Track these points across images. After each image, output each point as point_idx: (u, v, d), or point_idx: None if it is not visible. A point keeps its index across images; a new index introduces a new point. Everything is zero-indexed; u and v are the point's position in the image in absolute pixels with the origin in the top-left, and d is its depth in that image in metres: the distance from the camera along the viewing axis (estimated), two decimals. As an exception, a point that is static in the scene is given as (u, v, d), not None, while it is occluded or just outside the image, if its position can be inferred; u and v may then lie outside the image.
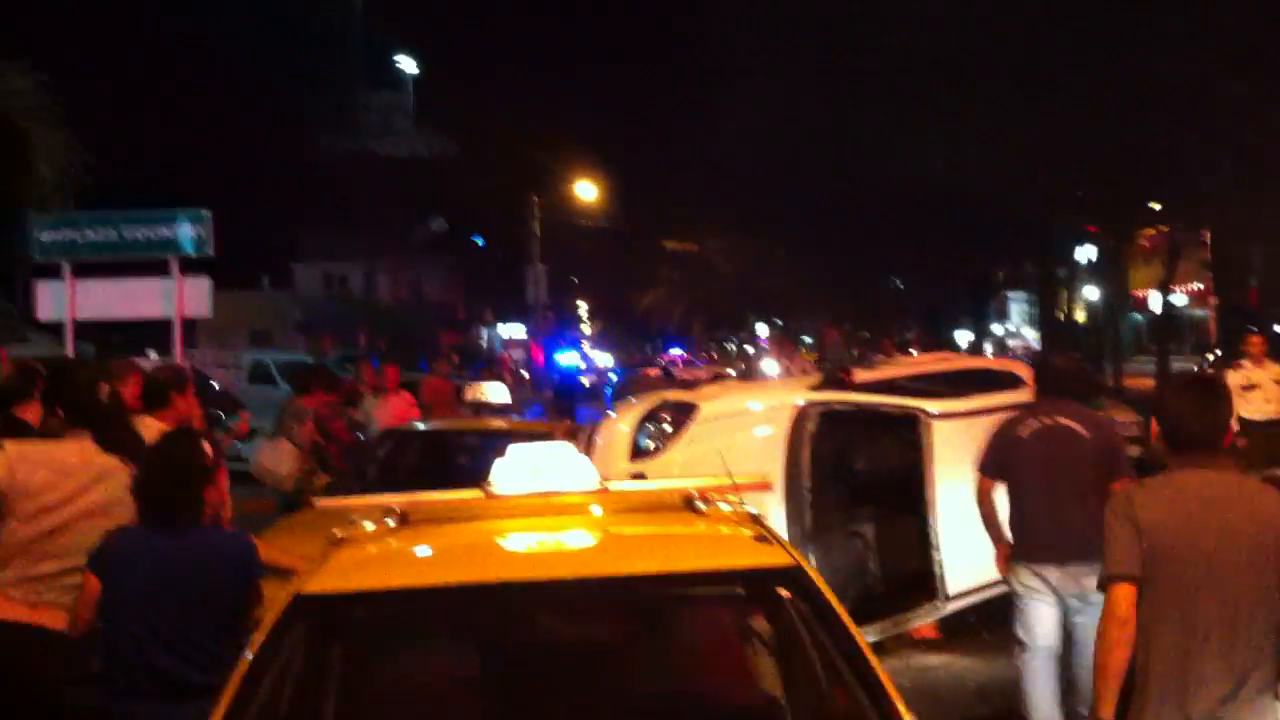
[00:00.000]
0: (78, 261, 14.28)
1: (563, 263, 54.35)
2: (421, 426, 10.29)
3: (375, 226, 44.58)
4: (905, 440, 8.19)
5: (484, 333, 70.07)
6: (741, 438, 7.72)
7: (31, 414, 6.28)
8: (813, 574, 3.30)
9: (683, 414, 7.66)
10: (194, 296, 14.45)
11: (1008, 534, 6.16)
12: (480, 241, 65.83)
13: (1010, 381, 8.70)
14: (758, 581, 3.41)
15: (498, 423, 10.38)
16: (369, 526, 3.64)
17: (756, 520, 3.62)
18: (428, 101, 44.29)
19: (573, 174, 45.79)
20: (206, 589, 3.98)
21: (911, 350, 23.77)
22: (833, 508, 8.16)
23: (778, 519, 7.52)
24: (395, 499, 3.76)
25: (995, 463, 6.27)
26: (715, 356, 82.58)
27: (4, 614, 4.35)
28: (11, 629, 4.34)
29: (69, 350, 14.50)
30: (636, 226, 50.90)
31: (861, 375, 8.35)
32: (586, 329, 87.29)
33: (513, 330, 75.81)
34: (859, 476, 8.35)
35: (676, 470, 7.41)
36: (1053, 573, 5.76)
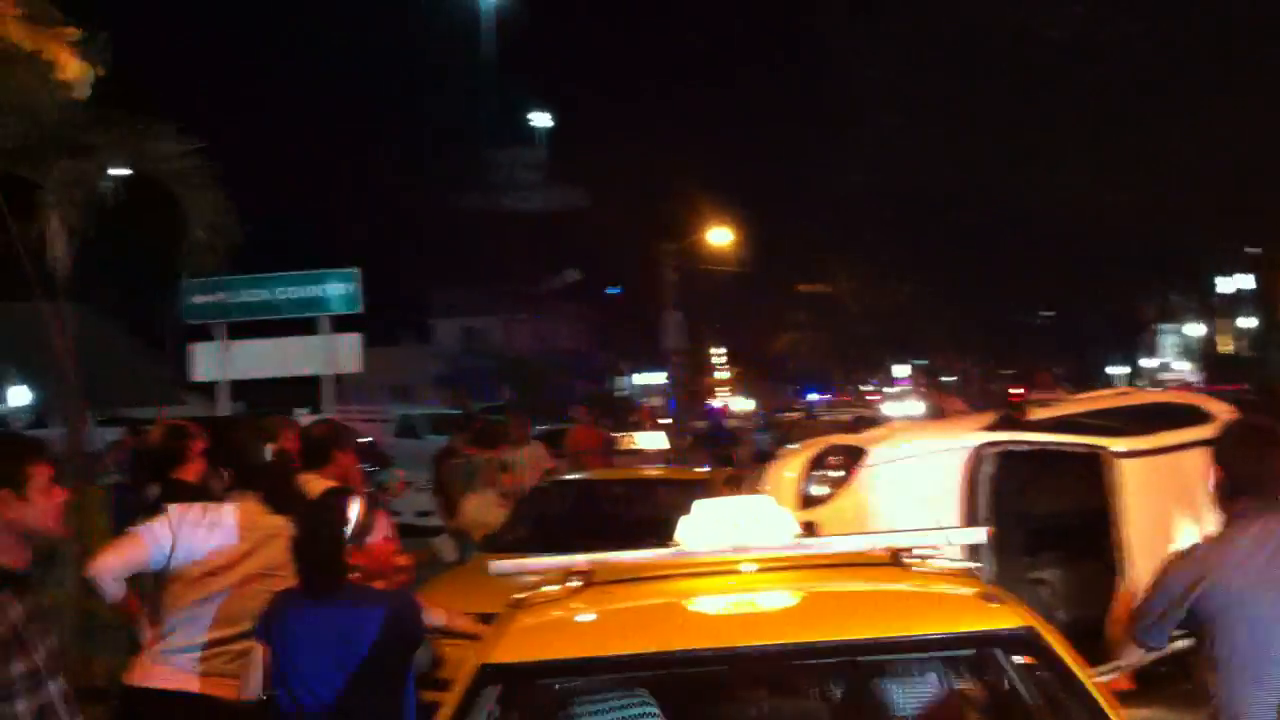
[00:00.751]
0: (229, 322, 14.52)
1: (697, 309, 54.19)
2: (579, 476, 10.08)
3: (510, 279, 45.02)
4: (1089, 481, 7.67)
5: (619, 381, 70.28)
6: (915, 482, 7.32)
7: (192, 474, 6.21)
8: (1051, 637, 2.95)
9: (851, 458, 7.31)
10: (345, 353, 14.60)
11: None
12: (615, 290, 66.19)
13: (1195, 416, 8.12)
14: (988, 646, 3.06)
15: (656, 471, 10.13)
16: (550, 589, 3.39)
17: (977, 576, 3.27)
18: (560, 153, 44.71)
19: (705, 220, 45.67)
20: (365, 655, 3.79)
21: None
22: (1014, 554, 7.69)
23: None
24: (578, 559, 3.50)
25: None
26: (855, 398, 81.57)
27: (171, 684, 4.22)
28: (179, 700, 4.19)
29: (222, 410, 14.71)
30: (770, 270, 50.54)
31: (1037, 413, 7.88)
32: (722, 375, 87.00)
33: (649, 378, 76.00)
34: (1041, 520, 7.87)
35: (850, 518, 7.06)
36: None
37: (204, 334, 14.69)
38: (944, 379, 78.40)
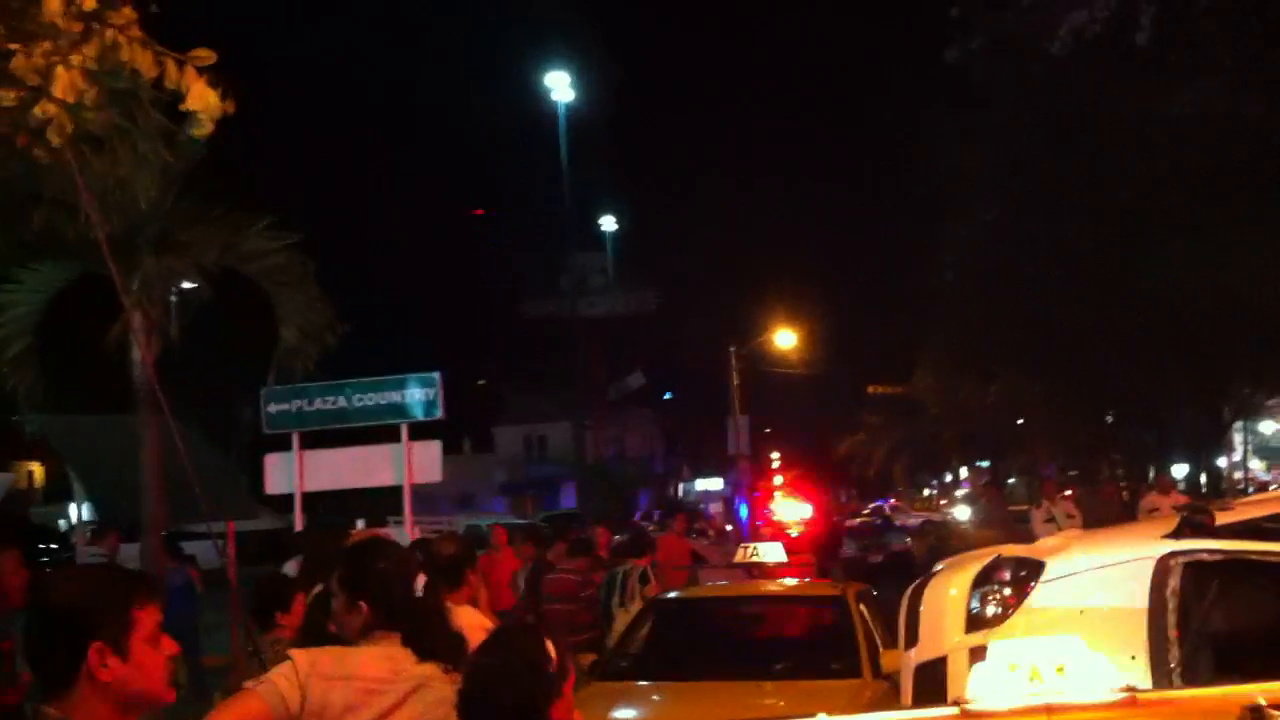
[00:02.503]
0: (306, 431, 13.96)
1: (763, 412, 53.42)
2: (703, 593, 9.30)
3: (574, 385, 44.61)
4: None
5: (681, 487, 69.36)
6: (1097, 599, 6.49)
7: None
8: None
9: (1025, 572, 6.49)
10: (424, 461, 13.96)
11: None
12: (669, 395, 65.70)
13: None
14: None
15: (783, 587, 9.33)
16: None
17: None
18: (627, 257, 44.59)
19: (773, 322, 45.16)
20: None
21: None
22: (1204, 677, 6.79)
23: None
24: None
25: None
26: (914, 501, 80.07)
27: None
28: None
29: (297, 523, 14.10)
30: (840, 371, 49.86)
31: (1222, 518, 7.05)
32: (780, 479, 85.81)
33: (709, 484, 75.02)
34: (1232, 638, 6.97)
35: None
36: None
37: (277, 444, 14.12)
38: (1009, 480, 76.95)
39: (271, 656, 4.61)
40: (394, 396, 14.01)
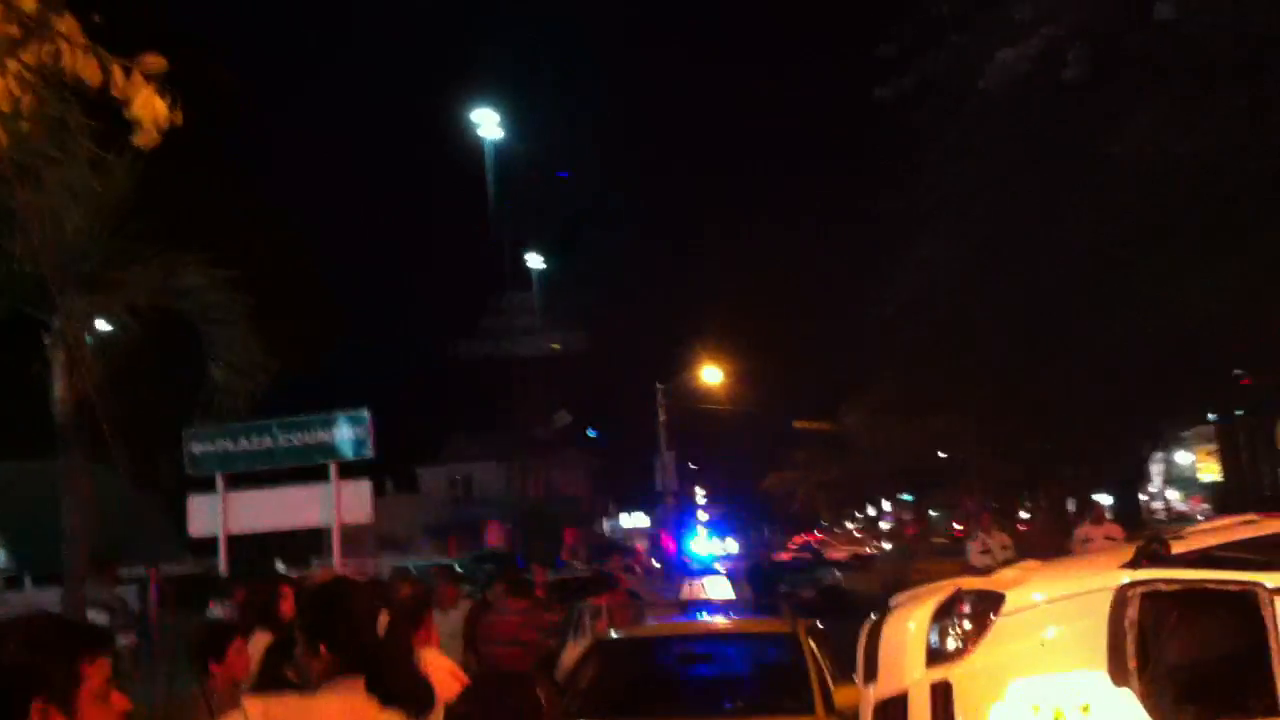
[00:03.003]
0: (232, 473, 13.59)
1: (691, 449, 53.41)
2: (647, 632, 9.05)
3: (499, 425, 44.21)
4: (1243, 621, 6.75)
5: (606, 524, 69.07)
6: (1057, 631, 6.37)
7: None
8: None
9: (985, 605, 6.36)
10: (353, 501, 13.64)
11: None
12: (594, 434, 65.51)
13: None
14: None
15: (723, 622, 9.12)
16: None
17: None
18: (551, 298, 44.29)
19: (700, 359, 45.20)
20: None
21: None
22: (1164, 708, 6.71)
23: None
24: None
25: None
26: (838, 536, 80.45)
27: None
28: None
29: (222, 566, 13.70)
30: (767, 408, 50.07)
31: (1177, 547, 6.99)
32: (703, 515, 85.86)
33: (635, 520, 74.76)
34: (1190, 669, 6.91)
35: (992, 675, 6.12)
36: None
37: (205, 485, 13.73)
38: (931, 512, 77.71)
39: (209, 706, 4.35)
40: (323, 435, 13.68)
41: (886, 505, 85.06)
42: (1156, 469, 66.08)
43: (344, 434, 13.65)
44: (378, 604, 3.38)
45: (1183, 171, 18.07)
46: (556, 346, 41.33)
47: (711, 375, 46.57)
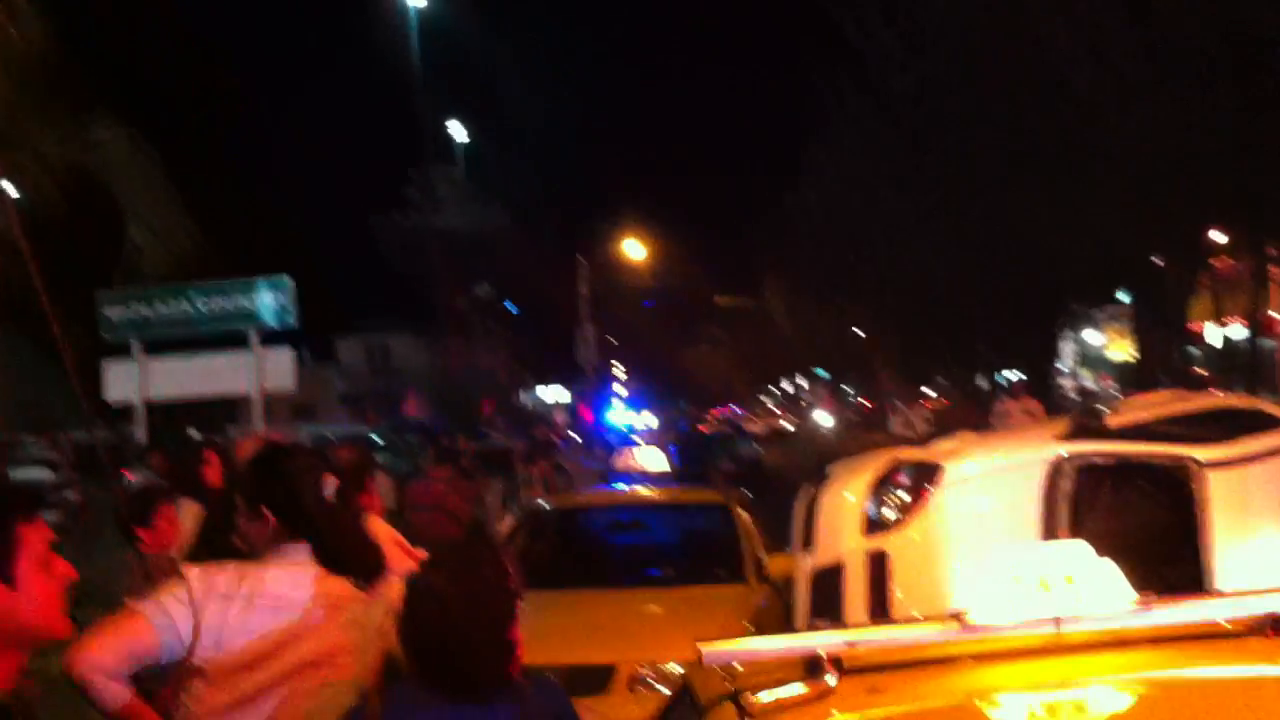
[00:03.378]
0: (150, 339, 13.21)
1: (612, 323, 53.35)
2: (580, 501, 8.97)
3: (422, 297, 43.68)
4: (1173, 495, 6.82)
5: (524, 396, 69.01)
6: (992, 502, 6.39)
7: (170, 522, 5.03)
8: None
9: (923, 476, 6.33)
10: (276, 369, 13.37)
11: None
12: (512, 307, 65.17)
13: (1266, 421, 7.33)
14: None
15: (654, 493, 9.07)
16: (796, 689, 2.34)
17: None
18: (473, 168, 43.50)
19: (623, 234, 44.90)
20: None
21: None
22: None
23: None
24: (822, 639, 2.45)
25: None
26: (761, 410, 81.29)
27: None
28: None
29: (140, 434, 13.38)
30: (689, 283, 50.07)
31: (1114, 420, 7.00)
32: (621, 389, 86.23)
33: (554, 393, 74.85)
34: (1123, 542, 6.97)
35: (928, 547, 6.13)
36: None
37: (120, 352, 13.34)
38: (843, 388, 78.80)
39: (157, 572, 4.18)
40: (243, 302, 13.37)
41: (804, 382, 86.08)
42: (1068, 348, 67.41)
43: (265, 300, 13.34)
44: (322, 467, 3.22)
45: (1112, 76, 18.14)
46: (488, 296, 40.82)
47: (634, 250, 46.36)
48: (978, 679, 2.39)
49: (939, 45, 23.87)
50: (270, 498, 3.14)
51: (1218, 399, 8.43)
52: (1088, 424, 6.91)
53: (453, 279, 42.48)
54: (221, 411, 31.46)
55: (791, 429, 59.51)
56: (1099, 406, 7.07)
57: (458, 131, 42.32)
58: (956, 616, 2.45)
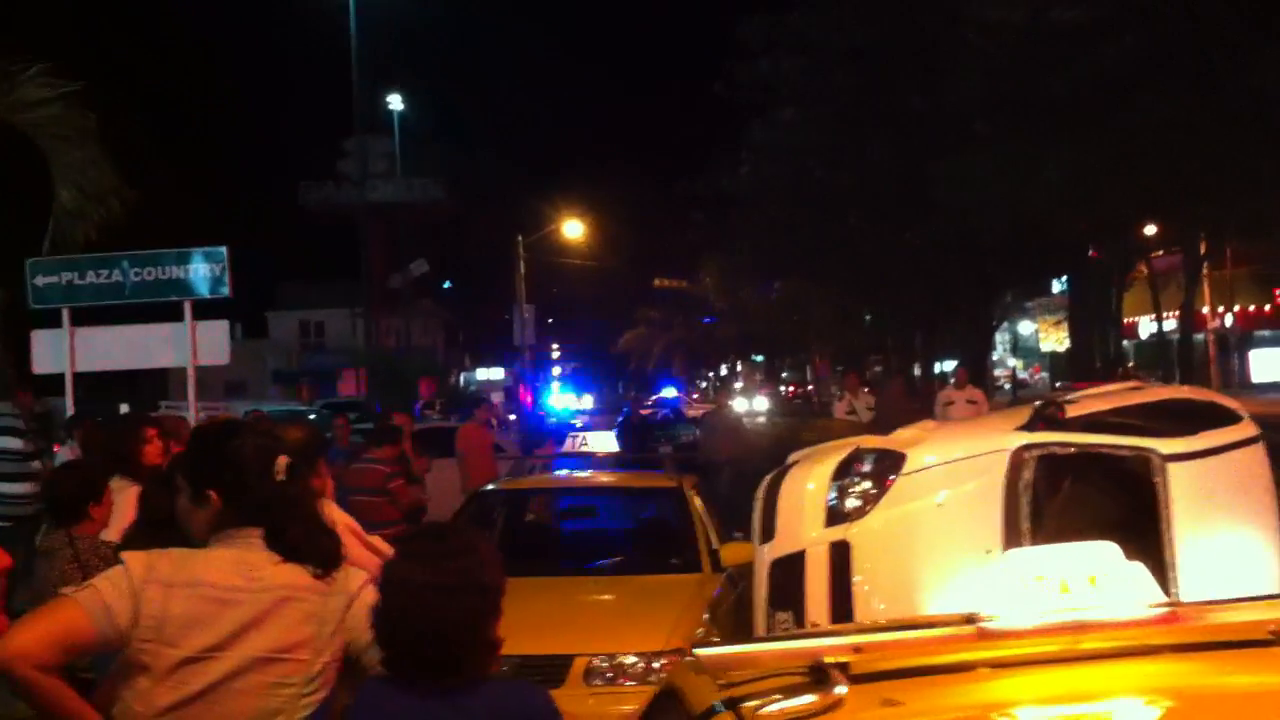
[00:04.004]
0: (79, 308, 12.78)
1: (549, 303, 53.04)
2: (518, 485, 8.71)
3: (357, 273, 43.11)
4: (1135, 487, 6.75)
5: (461, 376, 68.52)
6: (954, 492, 6.27)
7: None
8: None
9: (886, 465, 6.21)
10: (209, 342, 12.98)
11: None
12: (449, 285, 64.64)
13: (1223, 414, 7.29)
14: None
15: (607, 477, 8.83)
16: (803, 699, 2.15)
17: None
18: (412, 144, 42.90)
19: (562, 214, 44.52)
20: None
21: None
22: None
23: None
24: (828, 643, 2.26)
25: None
26: (695, 393, 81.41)
27: None
28: None
29: (69, 406, 12.95)
30: (627, 265, 49.85)
31: (1075, 411, 6.92)
32: (557, 370, 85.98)
33: (490, 373, 74.43)
34: (1081, 533, 6.90)
35: (891, 537, 6.02)
36: None
37: (45, 322, 12.91)
38: (784, 375, 79.12)
39: (92, 558, 3.90)
40: (177, 271, 12.95)
41: (740, 366, 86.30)
42: (1000, 338, 68.16)
43: (199, 271, 12.93)
44: (274, 447, 2.97)
45: (1062, 42, 18.06)
46: (424, 273, 40.36)
47: (573, 230, 45.96)
48: (996, 690, 2.21)
49: (873, 18, 23.81)
50: (217, 480, 2.90)
51: (1175, 391, 8.39)
52: (1047, 414, 6.82)
53: (388, 255, 41.94)
54: (151, 386, 30.89)
55: (729, 413, 59.48)
56: (1059, 398, 6.98)
57: (395, 104, 41.74)
58: (972, 619, 2.27)
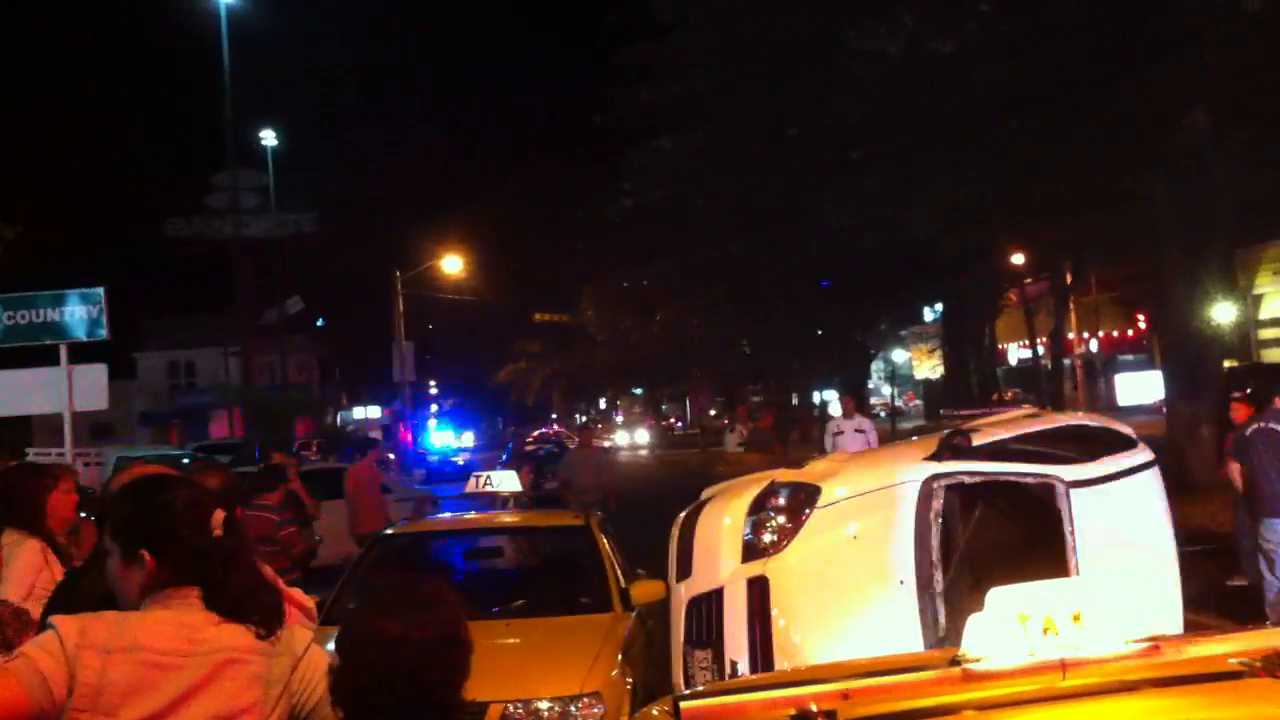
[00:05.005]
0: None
1: (427, 339, 52.53)
2: (421, 528, 8.49)
3: (228, 310, 42.14)
4: (1040, 513, 6.89)
5: (338, 415, 67.42)
6: (865, 525, 6.31)
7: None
8: None
9: (801, 499, 6.22)
10: (87, 386, 12.53)
11: None
12: (322, 322, 63.65)
13: (1120, 440, 7.48)
14: None
15: (511, 517, 8.67)
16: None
17: None
18: (287, 178, 42.16)
19: (441, 250, 44.17)
20: None
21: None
22: (963, 597, 6.80)
23: (909, 619, 6.17)
24: (813, 689, 2.20)
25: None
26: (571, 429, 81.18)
27: None
28: None
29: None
30: (506, 299, 49.64)
31: (980, 439, 7.02)
32: (435, 407, 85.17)
33: (368, 411, 73.33)
34: (988, 560, 7.01)
35: (809, 570, 6.03)
36: None
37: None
38: (663, 407, 79.44)
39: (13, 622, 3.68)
40: (51, 314, 12.50)
41: (619, 401, 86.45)
42: (876, 365, 69.30)
43: (76, 313, 12.51)
44: (208, 500, 2.83)
45: (938, 70, 18.41)
46: (299, 309, 39.61)
47: (451, 265, 45.64)
48: None
49: (752, 46, 24.09)
50: (149, 538, 2.74)
51: (1071, 418, 8.56)
52: (955, 444, 6.91)
53: (261, 290, 41.10)
54: (15, 433, 29.71)
55: (610, 447, 59.54)
56: (964, 427, 7.07)
57: (269, 139, 41.00)
58: (957, 661, 2.25)
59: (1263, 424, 9.19)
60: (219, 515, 2.81)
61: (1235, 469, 9.27)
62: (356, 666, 2.32)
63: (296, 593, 4.08)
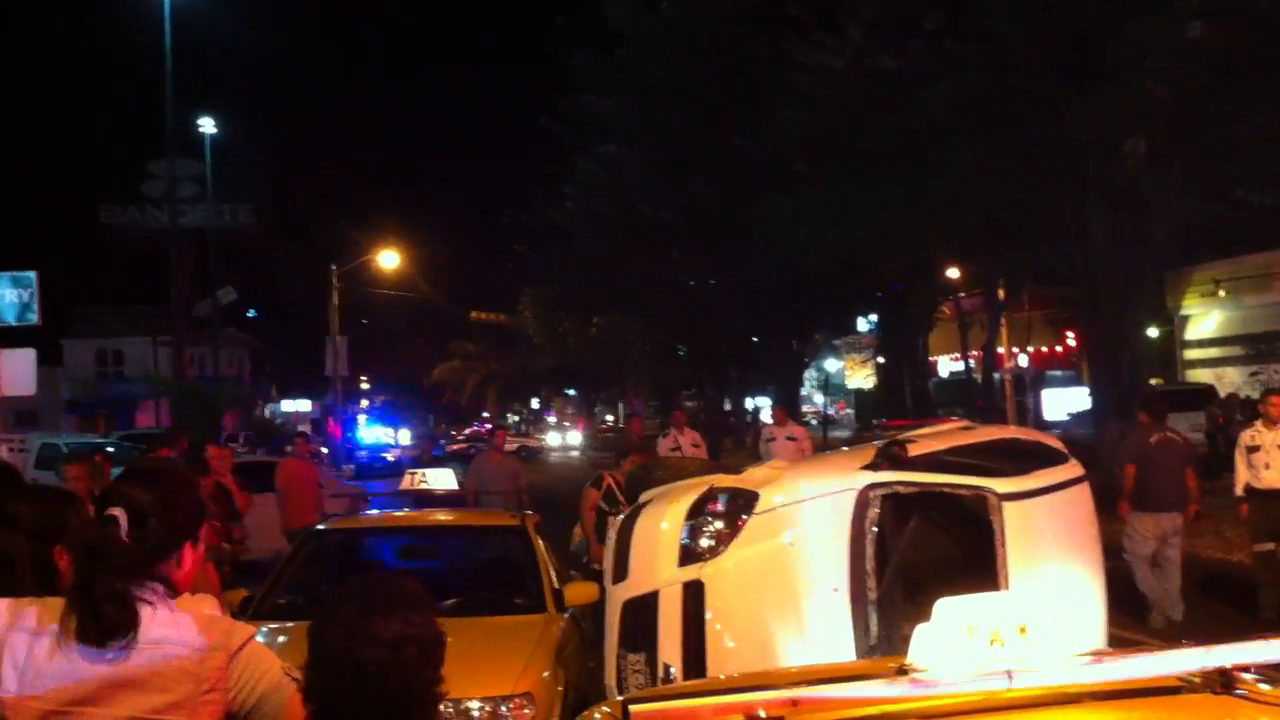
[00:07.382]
0: None
1: (361, 335, 52.11)
2: (353, 524, 8.39)
3: (159, 299, 41.50)
4: (972, 525, 6.95)
5: (267, 408, 66.67)
6: (803, 530, 6.33)
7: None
8: None
9: (739, 504, 6.24)
10: (16, 372, 12.28)
11: None
12: (254, 314, 62.98)
13: (1052, 454, 7.59)
14: None
15: (446, 515, 8.58)
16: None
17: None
18: (223, 167, 41.56)
19: (379, 245, 43.81)
20: None
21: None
22: (896, 606, 6.86)
23: (842, 628, 6.21)
24: (761, 697, 2.19)
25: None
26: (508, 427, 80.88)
27: None
28: None
29: None
30: (443, 297, 49.33)
31: (915, 450, 7.07)
32: (365, 403, 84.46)
33: (298, 405, 72.58)
34: (922, 569, 7.07)
35: (745, 575, 6.05)
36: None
37: None
38: (595, 409, 79.38)
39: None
40: (-21, 297, 12.27)
41: (552, 401, 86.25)
42: (809, 374, 69.74)
43: (6, 297, 12.30)
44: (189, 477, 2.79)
45: (883, 87, 18.58)
46: (231, 300, 39.15)
47: (389, 260, 45.25)
48: None
49: (700, 57, 24.18)
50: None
51: (1004, 431, 8.66)
52: (893, 454, 6.95)
53: (194, 281, 40.53)
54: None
55: (543, 447, 59.50)
56: (899, 438, 7.12)
57: (208, 127, 40.41)
58: (905, 670, 2.26)
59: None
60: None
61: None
62: (350, 667, 2.24)
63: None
